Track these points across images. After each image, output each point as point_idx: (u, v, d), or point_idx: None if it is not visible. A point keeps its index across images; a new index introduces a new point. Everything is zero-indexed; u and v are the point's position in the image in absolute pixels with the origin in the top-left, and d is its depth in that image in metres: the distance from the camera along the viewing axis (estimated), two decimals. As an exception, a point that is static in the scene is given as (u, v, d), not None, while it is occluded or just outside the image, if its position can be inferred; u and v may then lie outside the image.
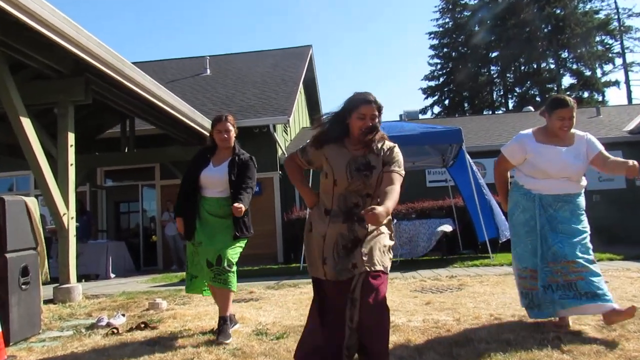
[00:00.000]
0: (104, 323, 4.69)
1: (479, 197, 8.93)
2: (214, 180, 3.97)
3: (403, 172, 2.72)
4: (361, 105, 2.73)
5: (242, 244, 4.02)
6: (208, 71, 17.69)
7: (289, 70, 17.22)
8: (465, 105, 39.27)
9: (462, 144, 9.03)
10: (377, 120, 2.76)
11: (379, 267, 2.58)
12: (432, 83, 39.68)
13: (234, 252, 3.94)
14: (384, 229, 2.68)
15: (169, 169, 11.91)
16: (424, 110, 38.80)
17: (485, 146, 13.40)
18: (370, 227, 2.61)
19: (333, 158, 2.74)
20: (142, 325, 4.43)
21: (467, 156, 9.16)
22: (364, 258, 2.59)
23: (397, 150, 2.78)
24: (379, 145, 2.76)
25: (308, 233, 2.77)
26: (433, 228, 9.21)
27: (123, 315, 4.97)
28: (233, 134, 3.98)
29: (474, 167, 9.44)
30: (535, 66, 35.28)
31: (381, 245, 2.65)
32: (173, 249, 12.39)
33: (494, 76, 38.46)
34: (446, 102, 39.37)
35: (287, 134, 15.04)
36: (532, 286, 3.73)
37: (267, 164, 12.70)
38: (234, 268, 3.94)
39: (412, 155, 10.04)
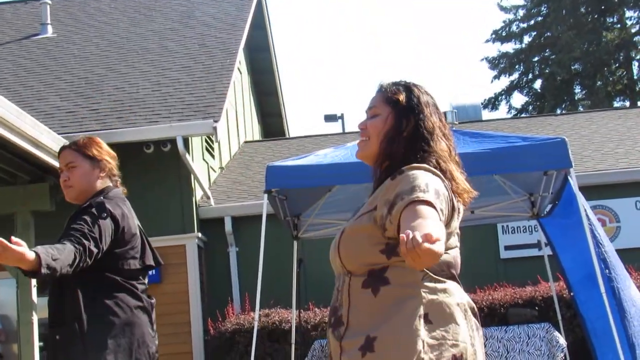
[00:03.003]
0: None
1: (605, 283, 7.84)
2: None
3: (429, 197, 2.31)
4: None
5: None
6: (49, 29, 16.33)
7: (217, 24, 15.99)
8: (576, 90, 32.65)
9: (570, 171, 7.80)
10: (391, 126, 2.59)
11: None
12: (509, 46, 32.80)
13: None
14: None
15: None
16: (492, 103, 33.20)
17: (618, 173, 12.23)
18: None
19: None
20: None
21: (580, 196, 7.91)
22: None
23: (411, 174, 2.44)
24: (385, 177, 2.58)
25: None
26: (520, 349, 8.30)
27: None
28: (81, 172, 3.77)
29: (593, 218, 8.31)
30: None
31: None
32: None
33: (636, 28, 31.38)
34: (536, 83, 32.89)
35: (212, 156, 13.65)
36: None
37: (171, 218, 11.36)
38: None
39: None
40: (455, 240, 2.55)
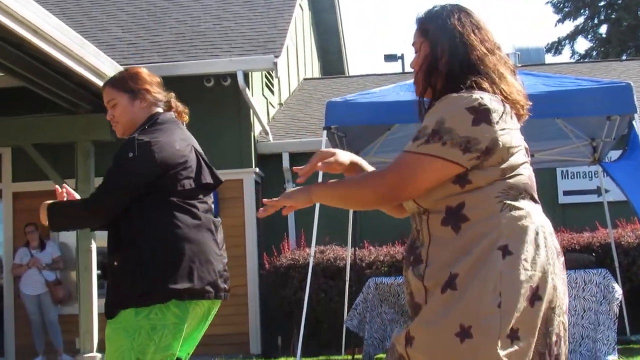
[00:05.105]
0: None
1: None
2: None
3: (424, 149, 2.30)
4: None
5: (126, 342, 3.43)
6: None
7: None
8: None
9: (635, 116, 7.82)
10: (425, 55, 2.47)
11: None
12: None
13: None
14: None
15: (31, 161, 10.01)
16: (555, 47, 32.61)
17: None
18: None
19: None
20: None
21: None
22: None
23: (436, 107, 2.37)
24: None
25: None
26: (576, 294, 7.96)
27: None
28: (121, 107, 3.76)
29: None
30: None
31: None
32: (37, 322, 11.05)
33: None
34: (601, 29, 32.03)
35: (272, 92, 13.53)
36: None
37: (229, 152, 11.24)
38: None
39: (531, 140, 8.25)
40: (521, 157, 2.40)
